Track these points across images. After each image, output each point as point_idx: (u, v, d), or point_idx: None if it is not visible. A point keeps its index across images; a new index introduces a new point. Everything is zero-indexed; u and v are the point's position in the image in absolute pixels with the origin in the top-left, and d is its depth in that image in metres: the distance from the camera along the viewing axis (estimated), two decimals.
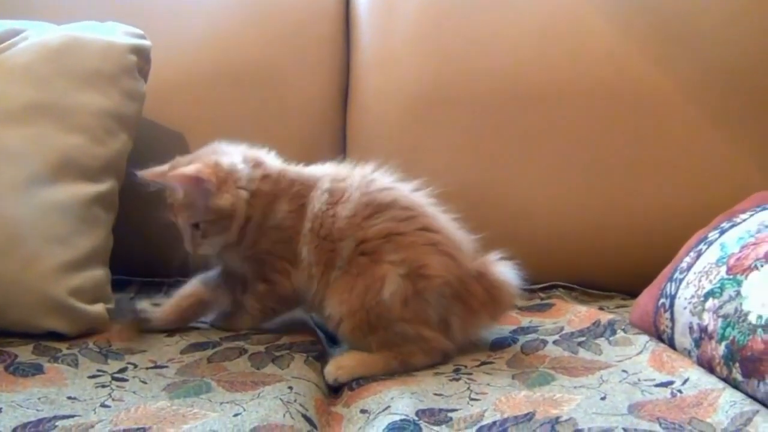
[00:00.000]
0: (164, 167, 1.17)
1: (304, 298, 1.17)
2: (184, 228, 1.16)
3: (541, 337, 1.18)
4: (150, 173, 1.16)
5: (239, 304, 1.21)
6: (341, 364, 1.07)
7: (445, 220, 1.15)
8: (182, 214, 1.15)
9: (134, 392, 0.96)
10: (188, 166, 1.14)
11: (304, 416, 0.90)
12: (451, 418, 0.90)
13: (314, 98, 1.56)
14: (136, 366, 1.05)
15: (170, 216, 1.17)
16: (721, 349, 0.97)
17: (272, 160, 1.22)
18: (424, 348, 1.08)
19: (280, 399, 0.92)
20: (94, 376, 1.01)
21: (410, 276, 1.07)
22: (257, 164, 1.18)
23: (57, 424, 0.86)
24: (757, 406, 0.87)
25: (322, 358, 1.11)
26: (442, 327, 1.09)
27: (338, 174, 1.18)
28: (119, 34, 1.34)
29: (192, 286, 1.22)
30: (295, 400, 0.92)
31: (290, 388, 0.96)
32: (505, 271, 1.14)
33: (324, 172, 1.20)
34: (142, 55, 1.35)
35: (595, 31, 1.51)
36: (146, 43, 1.37)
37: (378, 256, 1.08)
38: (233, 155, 1.18)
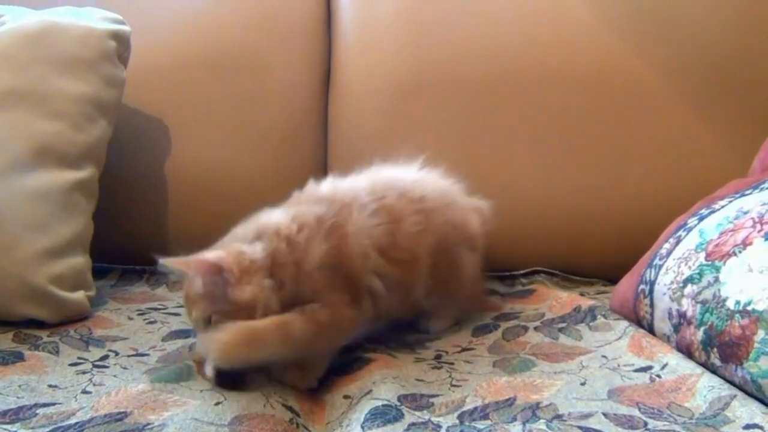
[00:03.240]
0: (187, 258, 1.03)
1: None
2: (197, 322, 1.01)
3: (522, 323, 1.19)
4: (172, 261, 1.00)
5: None
6: None
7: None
8: (197, 306, 1.00)
9: (115, 376, 0.96)
10: (209, 253, 1.01)
11: (285, 405, 0.90)
12: (432, 404, 0.90)
13: (296, 84, 1.55)
14: (117, 353, 1.05)
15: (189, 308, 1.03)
16: (700, 334, 0.98)
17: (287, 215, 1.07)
18: None
19: (260, 391, 0.92)
20: (75, 364, 1.01)
21: (473, 248, 1.22)
22: (277, 232, 1.03)
23: (38, 411, 0.86)
24: (734, 391, 0.88)
25: None
26: None
27: (370, 187, 1.12)
28: (98, 20, 1.33)
29: None
30: (275, 392, 0.93)
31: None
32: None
33: (344, 190, 1.11)
34: (121, 40, 1.34)
35: (577, 18, 1.51)
36: (125, 28, 1.35)
37: (450, 247, 1.18)
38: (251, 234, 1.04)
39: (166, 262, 0.98)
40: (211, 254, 1.00)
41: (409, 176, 1.19)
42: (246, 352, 0.93)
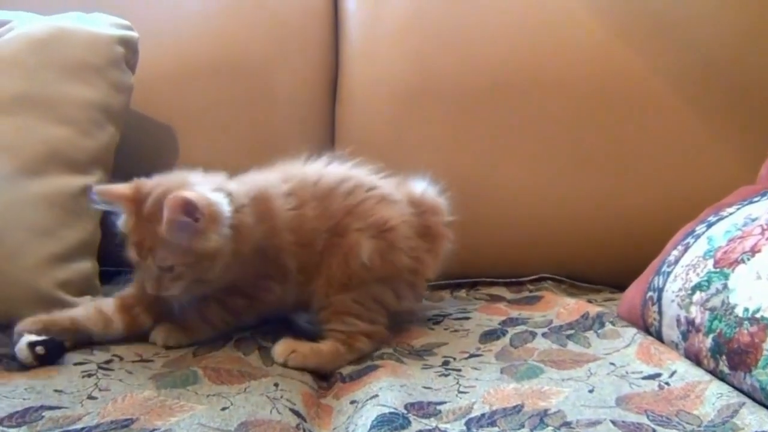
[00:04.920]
0: (123, 186, 1.04)
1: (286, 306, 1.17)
2: (149, 269, 1.03)
3: (530, 329, 1.18)
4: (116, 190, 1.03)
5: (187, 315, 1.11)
6: (295, 348, 1.07)
7: (369, 174, 1.20)
8: (157, 253, 1.01)
9: (120, 380, 0.96)
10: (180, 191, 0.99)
11: (292, 410, 0.90)
12: (439, 411, 0.90)
13: (303, 91, 1.55)
14: (122, 359, 1.05)
15: (133, 254, 1.02)
16: (708, 341, 0.98)
17: (233, 185, 1.10)
18: (369, 334, 1.12)
19: (266, 396, 0.92)
20: (80, 363, 1.01)
21: (378, 234, 1.12)
22: (229, 194, 1.06)
23: (44, 414, 0.86)
24: (743, 398, 0.88)
25: None
26: (413, 270, 1.17)
27: (285, 175, 1.15)
28: (106, 26, 1.33)
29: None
30: (282, 396, 0.92)
31: (276, 385, 0.96)
32: (427, 189, 1.23)
33: (266, 177, 1.15)
34: (129, 46, 1.34)
35: (581, 25, 1.51)
36: (133, 34, 1.36)
37: (345, 232, 1.12)
38: (210, 186, 1.05)
39: (107, 191, 1.03)
40: (185, 192, 0.99)
41: (312, 167, 1.19)
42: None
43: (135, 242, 1.01)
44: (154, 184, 1.04)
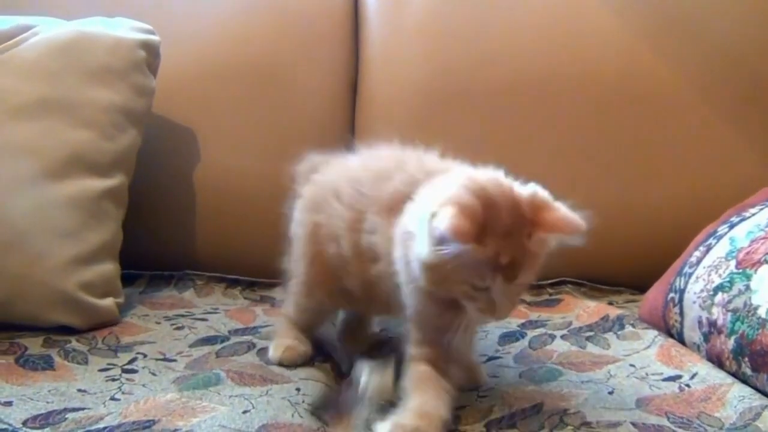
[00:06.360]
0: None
1: None
2: (504, 291, 0.82)
3: (549, 332, 1.18)
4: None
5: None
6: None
7: None
8: (526, 268, 0.85)
9: (144, 385, 0.97)
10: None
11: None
12: (458, 416, 0.90)
13: (323, 94, 1.56)
14: (145, 356, 1.06)
15: (490, 279, 0.81)
16: (731, 343, 0.97)
17: None
18: None
19: (288, 400, 0.92)
20: (104, 369, 1.02)
21: None
22: None
23: (67, 416, 0.87)
24: (766, 401, 0.87)
25: (329, 360, 1.11)
26: None
27: None
28: (128, 30, 1.34)
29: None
30: (303, 401, 0.93)
31: (298, 389, 0.96)
32: None
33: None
34: (151, 50, 1.35)
35: (602, 26, 1.51)
36: (155, 38, 1.37)
37: None
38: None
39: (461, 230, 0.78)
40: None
41: None
42: None
43: (502, 264, 0.81)
44: (481, 192, 0.87)
